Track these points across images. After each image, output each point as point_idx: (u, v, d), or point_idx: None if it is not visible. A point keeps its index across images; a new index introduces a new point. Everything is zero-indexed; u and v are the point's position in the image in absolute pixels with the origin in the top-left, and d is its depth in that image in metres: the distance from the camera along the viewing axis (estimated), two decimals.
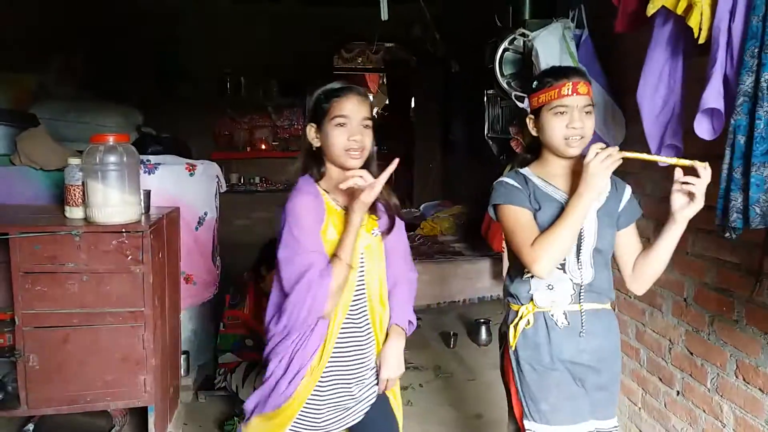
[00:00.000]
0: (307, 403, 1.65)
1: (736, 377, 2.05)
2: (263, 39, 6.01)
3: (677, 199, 1.54)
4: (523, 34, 3.00)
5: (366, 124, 1.61)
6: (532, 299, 1.67)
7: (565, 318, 1.65)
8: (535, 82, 1.66)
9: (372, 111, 1.65)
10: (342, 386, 1.68)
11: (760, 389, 1.94)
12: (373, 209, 1.67)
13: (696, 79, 1.72)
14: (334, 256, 1.56)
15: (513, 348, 1.70)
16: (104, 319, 2.33)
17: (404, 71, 7.46)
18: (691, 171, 1.50)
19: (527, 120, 1.69)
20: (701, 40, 1.67)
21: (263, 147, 6.31)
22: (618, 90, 2.71)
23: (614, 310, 1.76)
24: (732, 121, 1.54)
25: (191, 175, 3.06)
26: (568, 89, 1.57)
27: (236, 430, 2.87)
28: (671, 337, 2.43)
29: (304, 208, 1.58)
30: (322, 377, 1.64)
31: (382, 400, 1.78)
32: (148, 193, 2.61)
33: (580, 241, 1.63)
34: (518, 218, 1.63)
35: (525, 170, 1.72)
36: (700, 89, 1.65)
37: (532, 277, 1.64)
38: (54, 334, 2.30)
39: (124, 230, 2.31)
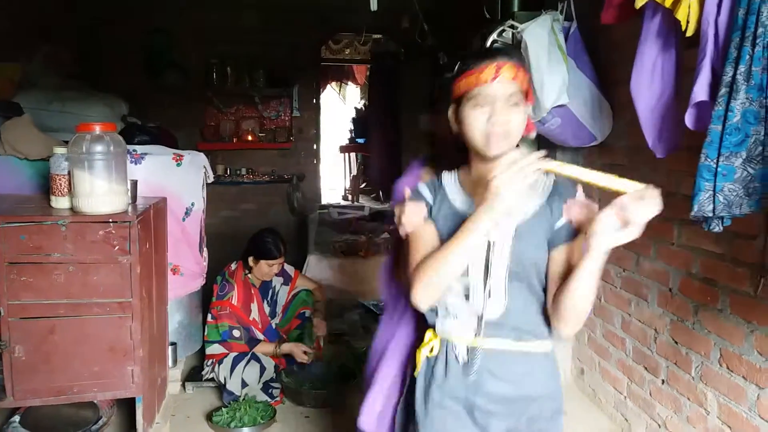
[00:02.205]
0: None
1: (720, 365, 2.09)
2: (250, 29, 5.96)
3: (604, 220, 1.13)
4: (512, 26, 3.00)
5: None
6: (435, 327, 1.43)
7: (467, 353, 1.38)
8: (457, 66, 1.36)
9: None
10: None
11: (743, 377, 1.98)
12: None
13: (689, 70, 1.72)
14: None
15: (416, 374, 1.49)
16: (91, 310, 2.31)
17: (392, 62, 7.44)
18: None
19: (450, 111, 1.40)
20: (689, 33, 1.69)
21: (250, 138, 6.24)
22: (605, 82, 2.73)
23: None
24: (713, 112, 1.56)
25: (178, 165, 3.03)
26: (489, 74, 1.26)
27: (224, 421, 2.88)
28: (656, 326, 2.46)
29: None
30: None
31: None
32: (135, 183, 2.59)
33: (488, 263, 1.33)
34: (416, 234, 1.39)
35: (448, 175, 1.46)
36: (692, 81, 1.66)
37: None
38: (40, 324, 2.28)
39: (111, 220, 2.29)
